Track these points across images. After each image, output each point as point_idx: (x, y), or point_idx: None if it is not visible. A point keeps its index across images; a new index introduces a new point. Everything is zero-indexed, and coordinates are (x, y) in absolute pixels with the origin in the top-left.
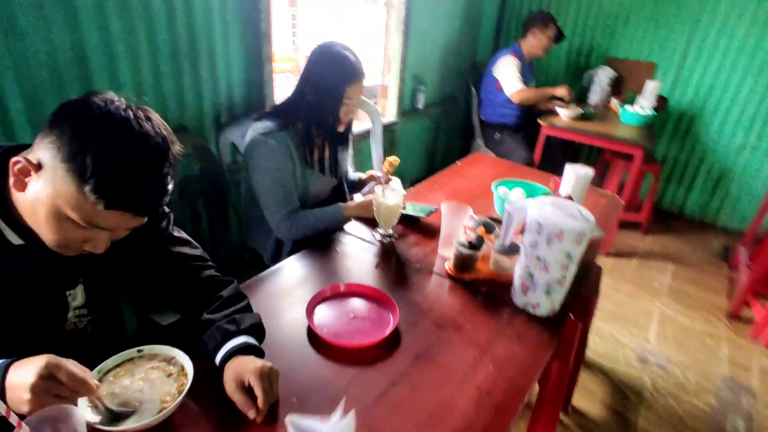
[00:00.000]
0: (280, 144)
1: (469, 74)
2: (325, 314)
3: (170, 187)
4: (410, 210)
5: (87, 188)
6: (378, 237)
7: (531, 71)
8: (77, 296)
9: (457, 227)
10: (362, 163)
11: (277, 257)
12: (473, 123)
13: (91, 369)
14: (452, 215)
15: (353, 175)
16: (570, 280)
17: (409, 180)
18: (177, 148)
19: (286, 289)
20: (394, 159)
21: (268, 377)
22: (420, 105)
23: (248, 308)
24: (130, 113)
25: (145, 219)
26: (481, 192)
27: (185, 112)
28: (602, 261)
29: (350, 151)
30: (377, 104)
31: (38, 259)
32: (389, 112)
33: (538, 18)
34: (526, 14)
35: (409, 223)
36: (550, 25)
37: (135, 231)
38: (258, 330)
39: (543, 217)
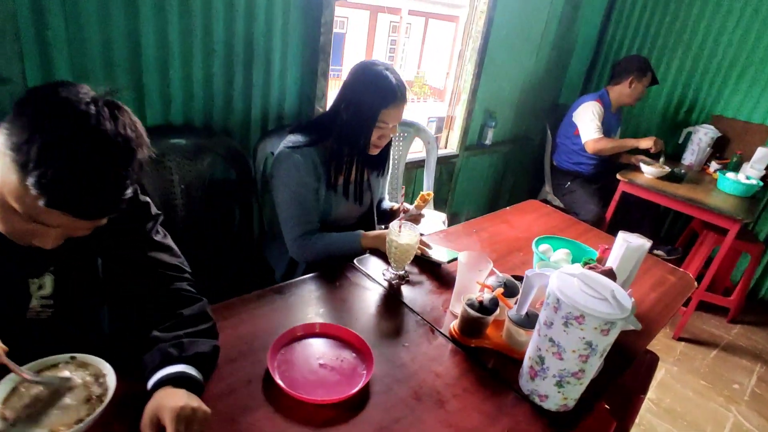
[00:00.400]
0: (305, 160)
1: (547, 115)
2: (291, 356)
3: (128, 192)
4: (433, 253)
5: (29, 181)
6: (387, 276)
7: (617, 120)
8: (45, 285)
9: (473, 282)
10: (414, 193)
11: (288, 276)
12: (544, 167)
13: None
14: (470, 267)
15: (386, 204)
16: (591, 375)
17: (465, 217)
18: (144, 152)
19: (265, 319)
20: (427, 194)
21: (187, 420)
22: (488, 141)
23: (208, 332)
24: (92, 108)
25: (102, 221)
26: (522, 245)
27: (231, 116)
28: (670, 345)
29: (387, 178)
30: (441, 134)
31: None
32: (452, 144)
33: (634, 65)
34: (621, 58)
35: (428, 267)
36: (648, 74)
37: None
38: (204, 360)
39: (563, 293)
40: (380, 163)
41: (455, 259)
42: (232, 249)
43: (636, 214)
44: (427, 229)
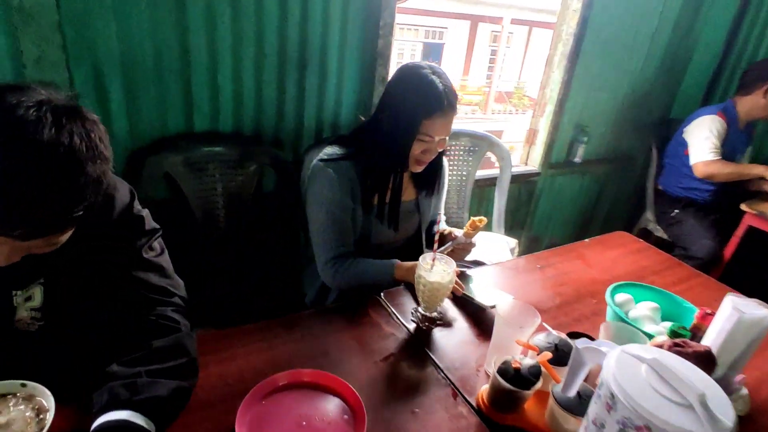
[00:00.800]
0: (340, 176)
1: (654, 132)
2: (267, 412)
3: (77, 209)
4: (477, 292)
5: None
6: (415, 317)
7: (746, 138)
8: (35, 297)
9: (512, 341)
10: (485, 215)
11: (319, 302)
12: (647, 191)
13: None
14: (510, 321)
15: (442, 226)
16: None
17: (547, 244)
18: (101, 166)
19: (260, 356)
20: (479, 219)
21: None
22: (577, 159)
23: (177, 371)
24: (32, 114)
25: (56, 239)
26: (598, 290)
27: (283, 124)
28: None
29: (441, 198)
30: (518, 150)
31: None
32: (533, 161)
33: None
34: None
35: (470, 309)
36: None
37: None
38: (159, 406)
39: (623, 387)
40: (429, 181)
41: None
42: (272, 267)
43: (766, 259)
44: (487, 257)
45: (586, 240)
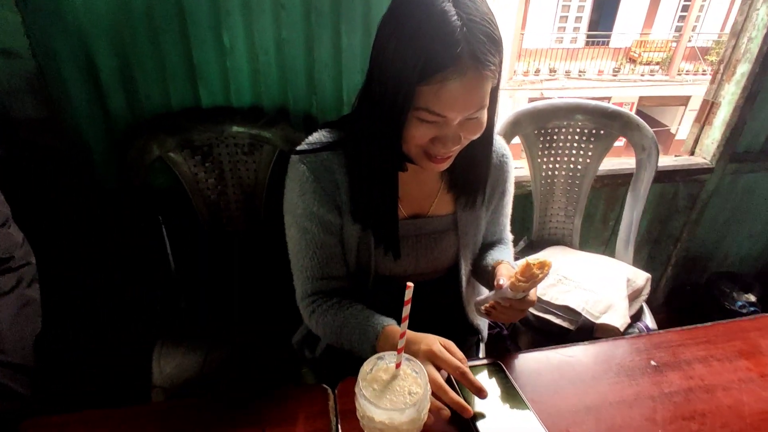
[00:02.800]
0: (317, 175)
1: None
2: None
3: None
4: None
5: None
6: None
7: None
8: None
9: None
10: (611, 226)
11: (308, 346)
12: None
13: None
14: None
15: (495, 256)
16: None
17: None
18: None
19: None
20: (540, 264)
21: None
22: None
23: None
24: None
25: None
26: None
27: (316, 98)
28: None
29: (501, 211)
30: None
31: None
32: (704, 150)
33: None
34: None
35: None
36: None
37: None
38: None
39: None
40: (470, 186)
41: None
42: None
43: None
44: (579, 303)
45: (751, 317)
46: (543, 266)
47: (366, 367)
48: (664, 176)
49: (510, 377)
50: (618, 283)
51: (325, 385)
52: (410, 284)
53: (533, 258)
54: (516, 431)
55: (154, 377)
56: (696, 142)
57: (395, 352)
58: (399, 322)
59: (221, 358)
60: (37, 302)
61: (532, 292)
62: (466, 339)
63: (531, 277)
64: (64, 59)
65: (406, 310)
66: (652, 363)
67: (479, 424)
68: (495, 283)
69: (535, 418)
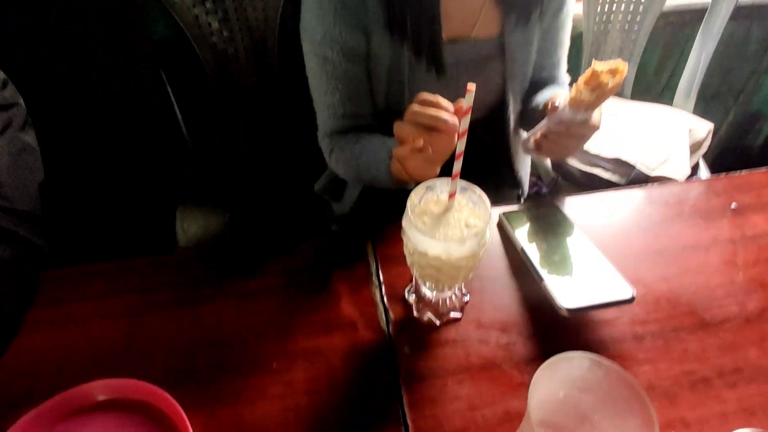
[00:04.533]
0: None
1: None
2: None
3: None
4: (551, 270)
5: None
6: (411, 300)
7: None
8: None
9: None
10: (675, 71)
11: (332, 191)
12: None
13: None
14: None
15: (547, 95)
16: None
17: None
18: None
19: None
20: (615, 68)
21: None
22: None
23: None
24: None
25: None
26: None
27: None
28: None
29: (561, 31)
30: None
31: None
32: None
33: None
34: None
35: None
36: None
37: None
38: None
39: None
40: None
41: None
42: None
43: None
44: (637, 156)
45: None
46: (614, 72)
47: (414, 197)
48: (740, 13)
49: (570, 219)
50: (678, 132)
51: (362, 233)
52: (471, 86)
53: (601, 64)
54: (582, 272)
55: (179, 238)
56: None
57: (447, 179)
58: None
59: (245, 216)
60: (35, 150)
61: (596, 112)
62: (505, 193)
63: (598, 87)
64: None
65: (465, 123)
66: (733, 206)
67: (539, 267)
68: (549, 105)
69: (602, 258)
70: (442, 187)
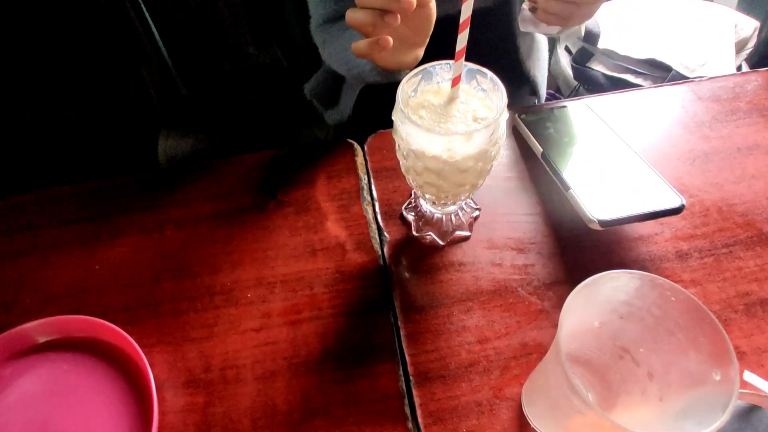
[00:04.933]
0: None
1: None
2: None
3: None
4: (582, 186)
5: None
6: (409, 219)
7: None
8: None
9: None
10: None
11: (327, 99)
12: None
13: None
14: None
15: None
16: None
17: None
18: None
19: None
20: None
21: None
22: None
23: None
24: None
25: None
26: None
27: None
28: None
29: None
30: None
31: None
32: None
33: None
34: None
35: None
36: None
37: None
38: None
39: None
40: None
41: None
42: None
43: None
44: (677, 57)
45: None
46: None
47: (406, 87)
48: None
49: (600, 117)
50: (722, 28)
51: (350, 140)
52: None
53: None
54: (617, 179)
55: (160, 159)
56: None
57: (450, 62)
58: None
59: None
60: None
61: None
62: (521, 96)
63: None
64: None
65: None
66: None
67: (564, 174)
68: None
69: (642, 162)
70: (442, 73)
